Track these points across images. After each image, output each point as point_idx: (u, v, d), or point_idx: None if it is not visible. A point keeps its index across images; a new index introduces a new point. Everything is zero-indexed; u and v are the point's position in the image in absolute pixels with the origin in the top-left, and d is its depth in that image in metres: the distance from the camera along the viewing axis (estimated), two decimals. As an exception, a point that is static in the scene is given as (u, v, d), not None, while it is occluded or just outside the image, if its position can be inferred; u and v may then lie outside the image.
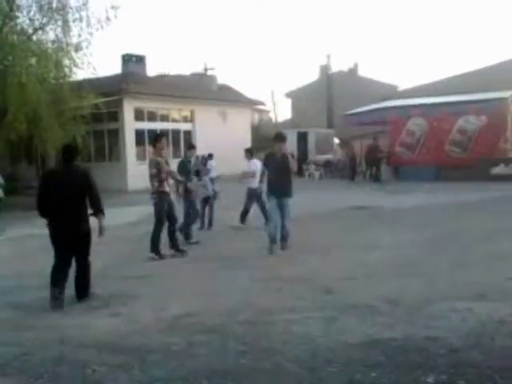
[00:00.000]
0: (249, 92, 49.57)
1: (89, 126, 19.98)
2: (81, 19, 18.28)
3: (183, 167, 9.53)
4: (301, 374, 3.67)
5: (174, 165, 9.27)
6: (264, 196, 9.26)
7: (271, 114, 42.72)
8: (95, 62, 34.23)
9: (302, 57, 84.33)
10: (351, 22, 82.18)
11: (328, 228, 10.45)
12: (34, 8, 18.14)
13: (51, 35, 18.40)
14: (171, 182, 8.64)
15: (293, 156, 8.57)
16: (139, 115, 22.42)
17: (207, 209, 10.93)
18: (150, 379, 3.69)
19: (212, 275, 6.97)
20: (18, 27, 18.05)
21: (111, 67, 62.71)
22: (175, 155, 22.37)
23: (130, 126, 21.83)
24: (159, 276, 7.10)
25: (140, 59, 26.10)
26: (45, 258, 8.75)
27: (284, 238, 8.18)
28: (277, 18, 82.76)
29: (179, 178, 8.83)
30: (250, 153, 11.38)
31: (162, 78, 29.10)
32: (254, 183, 10.46)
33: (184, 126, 24.55)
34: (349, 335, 4.36)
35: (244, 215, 10.83)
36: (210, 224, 10.92)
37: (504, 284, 5.62)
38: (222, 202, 11.57)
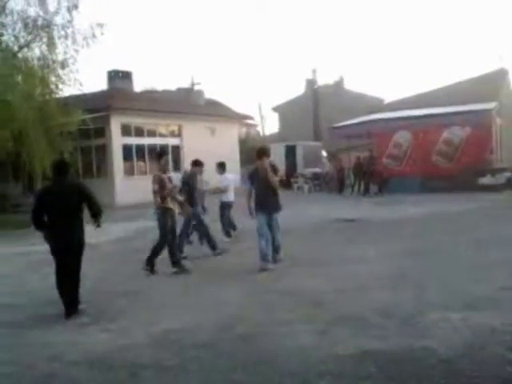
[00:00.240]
0: (236, 106, 49.78)
1: (76, 142, 19.94)
2: (66, 36, 18.34)
3: (188, 183, 9.59)
4: (294, 387, 3.66)
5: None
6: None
7: (259, 128, 42.94)
8: (82, 78, 34.21)
9: (289, 71, 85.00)
10: (336, 37, 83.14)
11: (317, 241, 10.46)
12: (19, 25, 18.20)
13: (37, 52, 18.45)
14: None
15: (274, 167, 8.24)
16: (126, 131, 22.39)
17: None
18: (142, 396, 3.66)
19: (203, 290, 6.94)
20: (3, 45, 18.04)
21: (98, 83, 62.91)
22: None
23: (118, 141, 21.78)
24: (149, 291, 7.06)
25: (126, 75, 26.16)
26: (34, 276, 8.73)
27: (276, 250, 8.10)
28: (262, 33, 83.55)
29: (179, 197, 8.73)
30: (221, 167, 11.26)
31: (148, 94, 29.16)
32: (227, 197, 10.56)
33: (172, 141, 24.55)
34: (340, 347, 4.36)
35: (229, 229, 10.81)
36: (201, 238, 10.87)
37: (494, 293, 5.65)
38: (211, 216, 11.55)
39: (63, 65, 18.29)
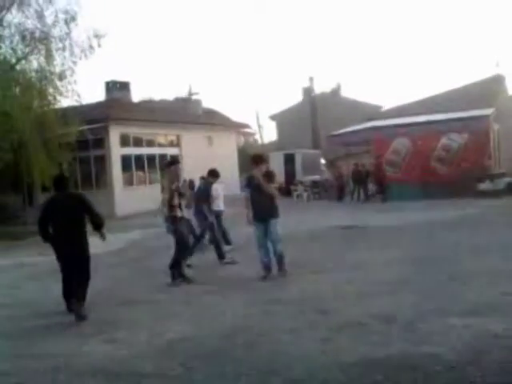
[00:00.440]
0: (234, 115, 49.92)
1: (75, 153, 19.98)
2: (64, 48, 18.43)
3: (204, 192, 9.74)
4: (299, 395, 3.66)
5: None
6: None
7: (257, 137, 43.04)
8: (80, 89, 34.27)
9: (286, 79, 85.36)
10: (333, 44, 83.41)
11: (318, 248, 10.46)
12: (17, 38, 18.30)
13: (34, 64, 18.55)
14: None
15: (269, 173, 8.14)
16: (125, 141, 22.42)
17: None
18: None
19: (207, 299, 6.93)
20: (1, 57, 18.11)
21: (96, 94, 63.16)
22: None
23: (116, 152, 21.81)
24: (153, 301, 7.05)
25: (124, 85, 26.25)
26: (34, 287, 8.72)
27: (279, 263, 7.85)
28: (259, 42, 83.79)
29: (186, 202, 8.71)
30: (214, 175, 11.30)
31: (146, 104, 29.25)
32: (218, 205, 10.59)
33: (170, 151, 24.59)
34: (345, 355, 4.36)
35: (224, 237, 10.78)
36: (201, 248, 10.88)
37: (497, 299, 5.66)
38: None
39: (61, 76, 18.36)
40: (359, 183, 22.24)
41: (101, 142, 21.52)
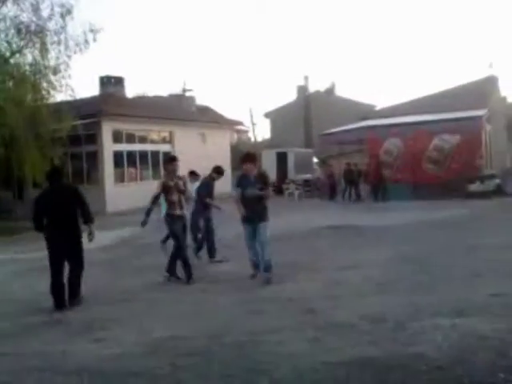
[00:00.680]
0: (228, 112, 49.85)
1: (66, 149, 19.86)
2: (59, 42, 18.34)
3: (206, 188, 9.67)
4: (287, 395, 3.66)
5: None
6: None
7: (250, 134, 43.02)
8: (74, 84, 34.17)
9: (280, 77, 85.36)
10: (328, 43, 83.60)
11: (308, 247, 10.47)
12: (12, 31, 18.18)
13: (29, 58, 18.44)
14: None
15: (264, 177, 7.97)
16: (118, 137, 22.32)
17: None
18: (134, 405, 3.64)
19: (195, 298, 6.92)
20: (-4, 50, 18.01)
21: (90, 89, 62.92)
22: (154, 176, 22.34)
23: (109, 148, 21.70)
24: (141, 299, 7.03)
25: (118, 81, 26.10)
26: (20, 284, 8.66)
27: (265, 269, 7.56)
28: (254, 39, 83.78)
29: (187, 200, 8.58)
30: (194, 175, 11.01)
31: (140, 100, 29.14)
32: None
33: (163, 147, 24.51)
34: (333, 354, 4.36)
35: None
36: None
37: (485, 300, 5.68)
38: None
39: (55, 71, 18.27)
40: (351, 183, 22.28)
41: (93, 137, 21.41)
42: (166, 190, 7.98)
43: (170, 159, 8.52)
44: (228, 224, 10.85)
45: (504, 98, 32.70)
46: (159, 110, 25.84)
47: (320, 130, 27.59)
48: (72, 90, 18.94)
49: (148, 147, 23.92)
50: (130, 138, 23.15)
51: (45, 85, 18.29)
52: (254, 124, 40.46)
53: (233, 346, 4.75)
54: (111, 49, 73.45)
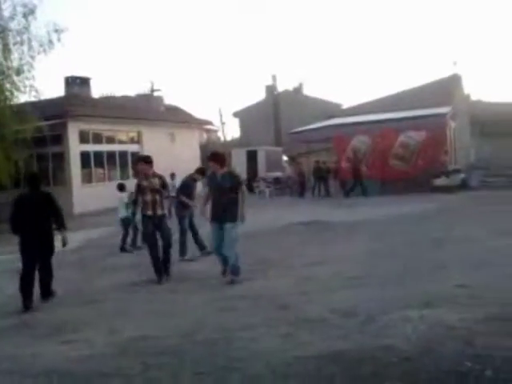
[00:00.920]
0: (197, 112, 49.63)
1: (32, 150, 19.48)
2: (22, 42, 17.98)
3: (187, 188, 9.62)
4: (259, 390, 3.67)
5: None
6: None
7: (219, 133, 42.91)
8: (38, 84, 33.51)
9: (249, 77, 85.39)
10: (296, 43, 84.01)
11: (279, 244, 10.52)
12: (-27, 31, 17.70)
13: (-9, 59, 17.94)
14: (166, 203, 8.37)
15: (235, 178, 7.69)
16: (84, 137, 22.00)
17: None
18: (106, 405, 3.60)
19: (166, 297, 6.88)
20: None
21: (56, 90, 61.69)
22: (123, 177, 22.11)
23: (75, 148, 21.38)
24: (111, 300, 6.96)
25: (84, 81, 25.76)
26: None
27: (232, 272, 7.36)
28: (222, 38, 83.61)
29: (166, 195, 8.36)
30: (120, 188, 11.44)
31: (107, 100, 28.78)
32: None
33: (131, 148, 24.27)
34: (305, 349, 4.39)
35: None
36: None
37: (451, 291, 5.80)
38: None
39: (18, 71, 17.90)
40: (320, 179, 22.52)
41: (59, 138, 21.06)
42: (139, 190, 7.91)
43: (137, 160, 8.43)
44: (200, 222, 10.82)
45: (467, 96, 33.40)
46: (127, 110, 25.59)
47: (289, 129, 27.73)
48: (36, 91, 18.61)
49: (116, 147, 23.66)
50: (97, 139, 22.84)
51: (8, 86, 17.91)
52: (223, 123, 40.35)
53: (205, 344, 4.73)
54: (77, 49, 72.43)
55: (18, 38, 17.91)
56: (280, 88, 39.98)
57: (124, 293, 7.38)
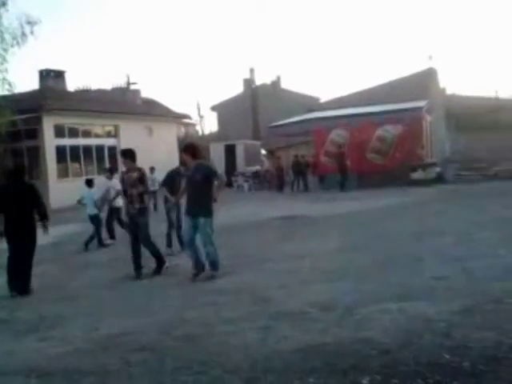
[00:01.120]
0: (174, 105, 49.29)
1: (6, 144, 19.15)
2: (-6, 35, 17.59)
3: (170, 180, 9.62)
4: (240, 384, 3.67)
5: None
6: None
7: (197, 127, 42.72)
8: (12, 78, 32.87)
9: (227, 70, 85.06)
10: (274, 36, 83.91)
11: (258, 238, 10.53)
12: None
13: (-39, 52, 17.56)
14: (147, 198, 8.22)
15: (206, 169, 7.49)
16: (60, 132, 21.69)
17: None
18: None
19: (145, 292, 6.84)
20: None
21: (30, 83, 60.52)
22: (99, 171, 21.86)
23: (50, 142, 21.09)
24: (90, 296, 6.89)
25: (59, 74, 25.40)
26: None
27: (211, 266, 7.27)
28: (199, 32, 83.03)
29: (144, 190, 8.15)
30: (110, 173, 11.37)
31: (82, 93, 28.41)
32: (118, 202, 10.80)
33: (108, 142, 24.03)
34: (284, 343, 4.41)
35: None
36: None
37: (429, 283, 5.88)
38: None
39: (-10, 65, 17.54)
40: (299, 174, 22.57)
41: (34, 132, 20.76)
42: (123, 183, 8.04)
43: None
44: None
45: (443, 90, 33.84)
46: (103, 103, 25.30)
47: (267, 123, 27.73)
48: (9, 85, 18.33)
49: (93, 141, 23.40)
50: (73, 133, 22.56)
51: (-20, 79, 17.57)
52: (201, 117, 40.20)
53: (185, 339, 4.72)
54: (51, 42, 71.15)
55: (-10, 31, 17.58)
56: (258, 81, 40.03)
57: (102, 289, 7.32)
